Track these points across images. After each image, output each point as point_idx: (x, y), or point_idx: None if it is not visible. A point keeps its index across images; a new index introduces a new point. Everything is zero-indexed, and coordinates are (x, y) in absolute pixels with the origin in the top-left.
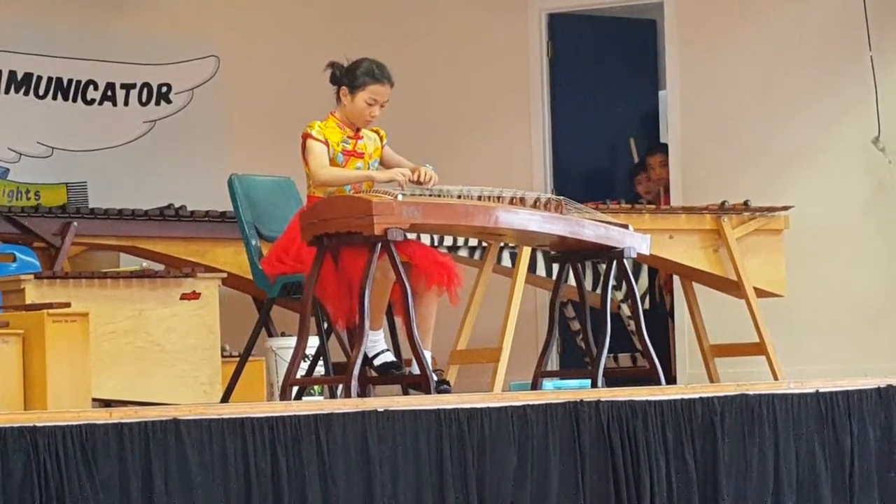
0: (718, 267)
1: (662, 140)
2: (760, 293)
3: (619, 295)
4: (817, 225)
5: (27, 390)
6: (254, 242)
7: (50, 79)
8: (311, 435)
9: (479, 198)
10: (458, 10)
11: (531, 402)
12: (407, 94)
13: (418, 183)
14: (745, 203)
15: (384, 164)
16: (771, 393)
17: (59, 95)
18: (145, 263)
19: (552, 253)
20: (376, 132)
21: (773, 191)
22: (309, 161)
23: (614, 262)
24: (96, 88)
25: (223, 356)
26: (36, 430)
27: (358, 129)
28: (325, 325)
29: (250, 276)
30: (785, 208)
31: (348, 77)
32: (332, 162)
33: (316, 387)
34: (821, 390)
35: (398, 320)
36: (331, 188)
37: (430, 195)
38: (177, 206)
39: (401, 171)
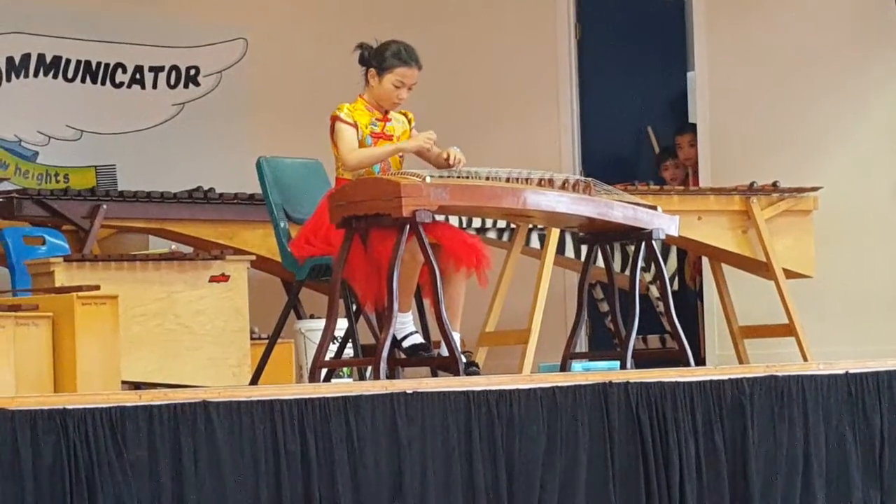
0: (747, 248)
1: (691, 121)
2: (789, 274)
3: (648, 276)
4: (847, 206)
5: (57, 373)
6: (282, 224)
7: (79, 62)
8: (340, 417)
9: (508, 179)
10: None
11: (560, 384)
12: (435, 77)
13: (448, 165)
14: (774, 184)
15: None
16: (800, 374)
17: (88, 78)
18: (174, 246)
19: (581, 234)
20: (404, 115)
21: (802, 172)
22: (339, 145)
23: (643, 244)
24: (125, 71)
25: (252, 338)
26: (66, 413)
27: (386, 112)
28: (354, 308)
29: (279, 259)
30: (814, 189)
31: (376, 59)
32: (361, 144)
33: (345, 369)
34: (850, 371)
35: (427, 302)
36: (360, 170)
37: (459, 177)
38: (205, 188)
39: (427, 136)
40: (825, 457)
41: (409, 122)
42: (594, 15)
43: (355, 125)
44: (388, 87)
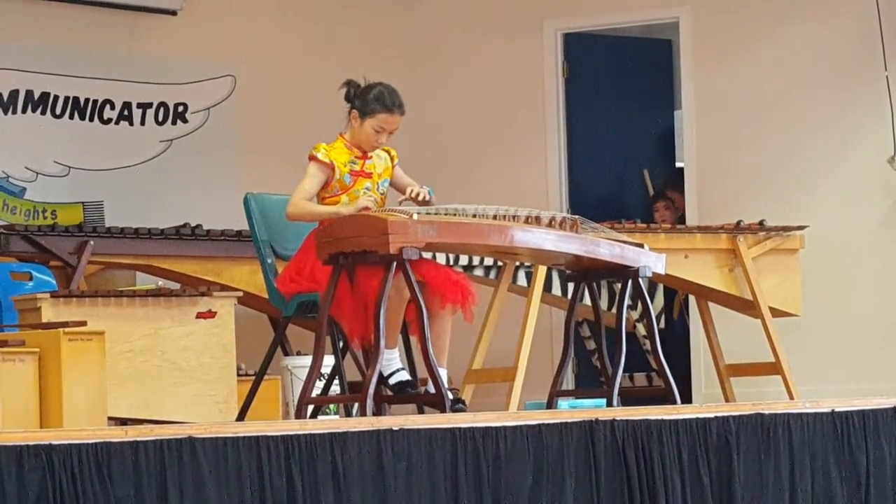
0: (734, 286)
1: (678, 160)
2: (776, 313)
3: (635, 314)
4: (833, 244)
5: (43, 408)
6: (269, 261)
7: (67, 98)
8: (326, 454)
9: (495, 217)
10: (474, 31)
11: (546, 422)
12: (424, 115)
13: (420, 203)
14: (761, 223)
15: (394, 184)
16: (786, 412)
17: (76, 115)
18: (161, 282)
19: (567, 272)
20: (387, 152)
21: (788, 210)
22: (298, 185)
23: (630, 282)
24: (113, 108)
25: (239, 375)
26: (52, 448)
27: (365, 151)
28: (341, 344)
29: (266, 295)
30: (800, 228)
31: (360, 100)
32: (340, 182)
33: (331, 405)
34: (836, 410)
35: (414, 339)
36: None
37: (446, 214)
38: (193, 224)
39: (368, 199)
40: (811, 495)
41: (392, 159)
42: (582, 54)
43: (332, 165)
44: (368, 130)
